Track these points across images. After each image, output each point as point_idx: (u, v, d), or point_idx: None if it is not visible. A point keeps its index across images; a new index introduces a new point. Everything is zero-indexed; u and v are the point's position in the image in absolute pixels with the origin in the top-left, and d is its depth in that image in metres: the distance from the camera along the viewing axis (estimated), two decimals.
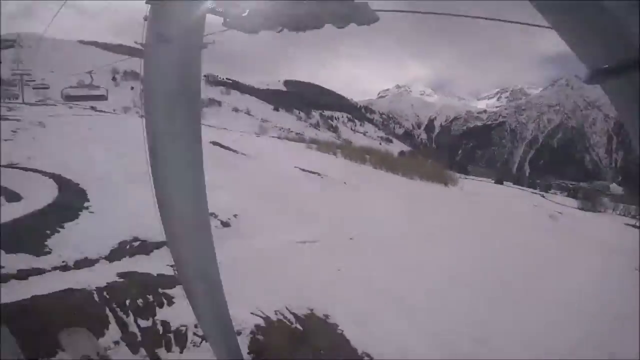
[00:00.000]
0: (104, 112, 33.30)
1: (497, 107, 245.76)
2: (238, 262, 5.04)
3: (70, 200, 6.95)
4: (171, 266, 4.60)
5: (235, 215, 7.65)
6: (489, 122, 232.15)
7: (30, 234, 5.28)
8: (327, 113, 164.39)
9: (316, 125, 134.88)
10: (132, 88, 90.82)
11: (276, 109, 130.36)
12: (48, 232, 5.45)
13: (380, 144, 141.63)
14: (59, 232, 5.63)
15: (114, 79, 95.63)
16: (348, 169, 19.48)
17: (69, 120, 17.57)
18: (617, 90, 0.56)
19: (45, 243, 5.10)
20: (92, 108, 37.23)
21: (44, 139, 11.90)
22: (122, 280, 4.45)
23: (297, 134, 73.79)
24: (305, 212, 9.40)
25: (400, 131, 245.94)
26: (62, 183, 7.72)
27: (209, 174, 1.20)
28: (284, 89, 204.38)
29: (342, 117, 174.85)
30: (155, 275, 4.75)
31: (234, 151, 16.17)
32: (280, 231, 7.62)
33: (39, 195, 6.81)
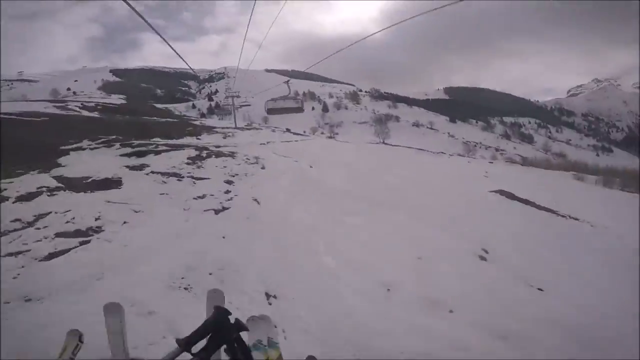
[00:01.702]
0: (299, 134, 31.39)
1: None
2: None
3: None
4: None
5: None
6: None
7: None
8: (508, 120, 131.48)
9: (507, 136, 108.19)
10: (312, 108, 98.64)
11: (452, 121, 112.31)
12: None
13: (598, 154, 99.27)
14: None
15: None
16: None
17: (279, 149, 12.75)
18: None
19: None
20: (288, 130, 37.15)
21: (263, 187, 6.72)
22: None
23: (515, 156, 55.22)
24: None
25: (618, 135, 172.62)
26: None
27: None
28: (446, 97, 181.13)
29: (530, 123, 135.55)
30: None
31: None
32: None
33: None
